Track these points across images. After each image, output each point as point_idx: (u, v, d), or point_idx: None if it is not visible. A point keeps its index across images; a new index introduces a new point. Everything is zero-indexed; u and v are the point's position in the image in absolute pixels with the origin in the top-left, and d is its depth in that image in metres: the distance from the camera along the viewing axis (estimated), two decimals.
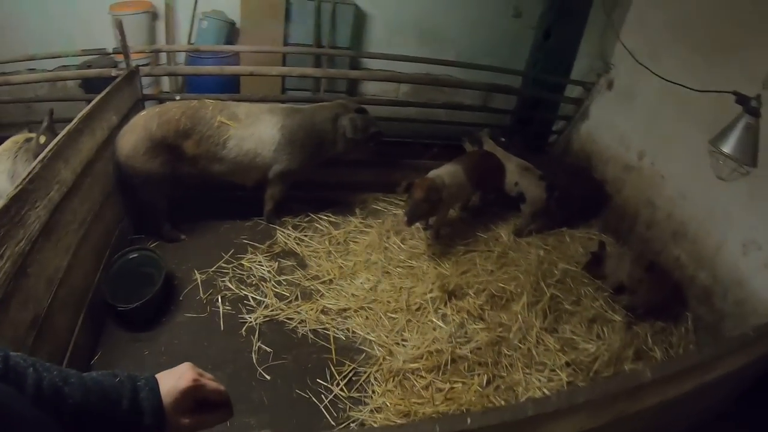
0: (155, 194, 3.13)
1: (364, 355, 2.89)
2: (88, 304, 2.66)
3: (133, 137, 2.92)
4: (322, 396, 2.62)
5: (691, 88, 3.33)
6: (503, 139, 4.42)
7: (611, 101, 4.38)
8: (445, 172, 3.49)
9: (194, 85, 4.26)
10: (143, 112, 3.03)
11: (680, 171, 3.59)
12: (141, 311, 2.76)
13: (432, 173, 3.45)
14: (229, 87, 4.25)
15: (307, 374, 2.73)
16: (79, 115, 2.62)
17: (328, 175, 4.02)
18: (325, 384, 2.68)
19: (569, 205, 3.99)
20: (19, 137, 2.94)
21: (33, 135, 2.90)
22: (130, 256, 2.99)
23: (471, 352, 2.84)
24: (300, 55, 4.45)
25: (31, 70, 3.86)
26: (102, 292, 2.73)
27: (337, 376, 2.72)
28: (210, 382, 0.95)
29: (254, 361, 2.73)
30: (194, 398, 0.92)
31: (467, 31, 4.89)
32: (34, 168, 2.26)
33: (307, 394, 2.62)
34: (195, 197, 3.67)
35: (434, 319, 3.07)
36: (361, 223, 3.86)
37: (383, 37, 4.76)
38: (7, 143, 2.90)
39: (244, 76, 4.28)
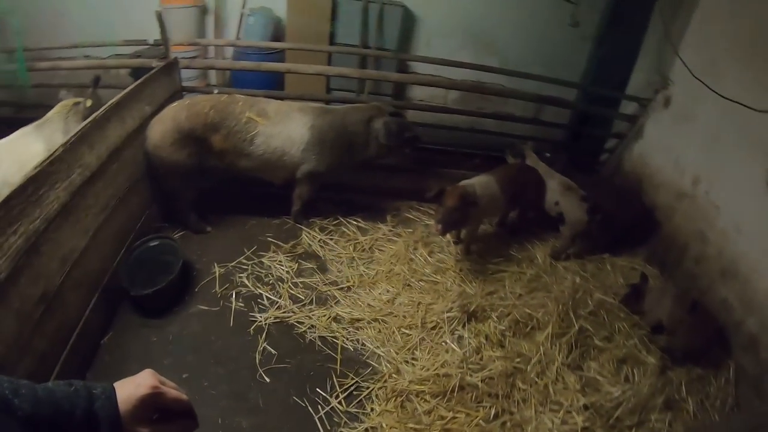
0: (181, 185, 3.19)
1: (370, 369, 2.76)
2: (103, 286, 2.74)
3: (162, 128, 2.99)
4: (319, 406, 2.53)
5: (754, 109, 2.94)
6: (548, 155, 4.14)
7: (667, 120, 3.99)
8: (477, 182, 3.31)
9: (239, 81, 4.35)
10: (174, 104, 3.11)
11: (737, 202, 3.19)
12: (154, 298, 2.81)
13: (464, 182, 3.28)
14: (273, 84, 4.30)
15: (307, 382, 2.65)
16: (108, 103, 2.71)
17: (362, 179, 3.96)
18: (324, 395, 2.58)
19: (613, 230, 3.67)
20: (68, 101, 3.14)
21: (81, 99, 3.12)
22: (152, 244, 3.06)
23: (482, 381, 2.63)
24: (345, 54, 4.41)
25: (87, 56, 4.09)
26: (119, 276, 2.80)
27: (338, 388, 2.62)
28: (171, 390, 0.92)
29: (257, 362, 2.69)
30: (154, 407, 0.89)
31: (520, 38, 4.68)
32: (56, 152, 2.35)
33: (304, 403, 2.54)
34: (226, 190, 3.72)
35: (448, 341, 2.88)
36: (390, 231, 3.75)
37: (432, 40, 4.63)
38: (58, 107, 3.10)
39: (289, 75, 4.30)
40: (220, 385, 2.56)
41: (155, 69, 3.17)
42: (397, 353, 2.83)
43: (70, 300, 2.47)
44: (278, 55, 4.36)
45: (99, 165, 2.66)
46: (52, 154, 2.34)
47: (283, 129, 3.21)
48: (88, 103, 3.07)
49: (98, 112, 2.65)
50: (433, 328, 3.00)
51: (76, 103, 3.12)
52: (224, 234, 3.50)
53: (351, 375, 2.70)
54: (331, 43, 4.43)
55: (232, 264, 3.24)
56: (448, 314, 3.03)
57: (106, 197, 2.76)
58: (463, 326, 3.01)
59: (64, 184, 2.41)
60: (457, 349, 2.83)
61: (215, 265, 3.20)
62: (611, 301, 3.30)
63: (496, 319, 3.08)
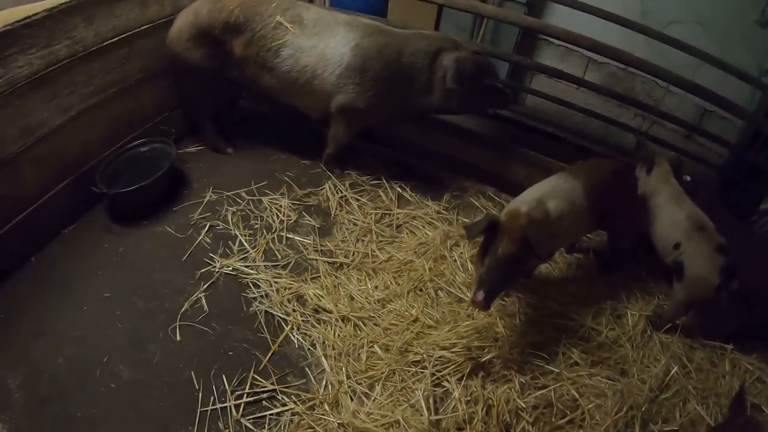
0: (197, 90, 2.76)
1: (302, 382, 2.01)
2: (80, 173, 2.51)
3: (182, 20, 2.57)
4: (212, 398, 1.91)
5: None
6: (688, 178, 2.55)
7: None
8: (552, 193, 2.10)
9: (339, 3, 3.71)
10: None
11: None
12: (120, 199, 2.52)
13: (526, 200, 2.06)
14: (376, 10, 3.57)
15: (219, 361, 2.04)
16: None
17: (430, 142, 3.04)
18: (226, 387, 1.94)
19: (756, 313, 2.23)
20: None
21: None
22: (155, 145, 2.74)
23: None
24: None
25: None
26: (100, 168, 2.54)
27: (247, 387, 1.94)
28: None
29: (180, 312, 2.17)
30: None
31: (694, 20, 3.08)
32: (34, 15, 2.09)
33: (198, 385, 1.95)
34: (271, 115, 3.23)
35: (420, 394, 1.91)
36: (438, 213, 2.79)
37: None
38: None
39: (393, 2, 3.50)
40: (128, 320, 2.14)
41: None
42: (348, 377, 2.00)
43: (26, 174, 2.27)
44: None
45: (98, 43, 2.39)
46: (27, 16, 2.10)
47: (318, 43, 2.49)
48: None
49: None
50: (415, 362, 2.05)
51: None
52: (241, 161, 3.00)
53: (273, 379, 1.99)
54: None
55: (229, 193, 2.73)
56: (448, 353, 2.04)
57: (103, 81, 2.49)
58: (460, 379, 1.99)
59: (42, 52, 2.18)
60: (425, 414, 1.85)
61: (210, 189, 2.75)
62: (708, 420, 1.88)
63: (518, 387, 1.97)
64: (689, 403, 1.99)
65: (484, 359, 2.03)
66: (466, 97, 2.49)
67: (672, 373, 2.10)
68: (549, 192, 2.11)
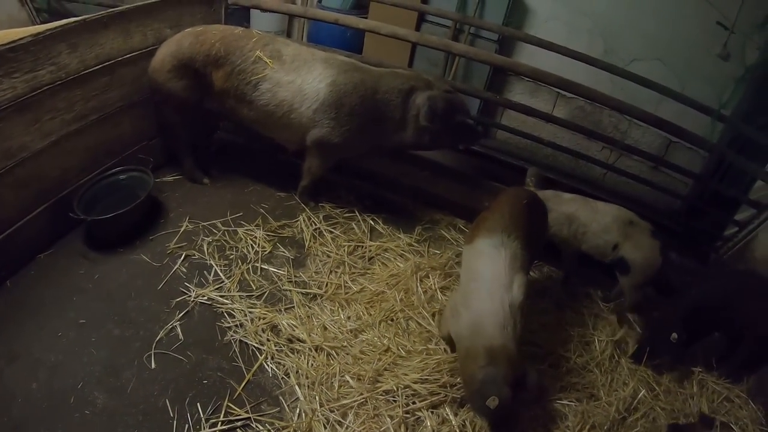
0: (175, 119, 2.92)
1: (276, 410, 2.14)
2: (58, 198, 2.62)
3: (165, 50, 2.75)
4: (186, 427, 2.01)
5: None
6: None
7: None
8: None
9: (316, 39, 3.98)
10: (189, 29, 2.82)
11: None
12: (99, 226, 2.64)
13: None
14: (352, 46, 3.85)
15: (193, 389, 2.15)
16: (111, 10, 2.54)
17: (405, 175, 3.29)
18: (200, 415, 2.05)
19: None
20: None
21: None
22: (133, 174, 2.88)
23: None
24: (438, 26, 3.71)
25: None
26: (77, 195, 2.65)
27: (221, 416, 2.06)
28: None
29: (155, 341, 2.28)
30: None
31: (651, 54, 3.52)
32: (20, 39, 2.23)
33: (172, 414, 2.04)
34: (247, 147, 3.41)
35: (390, 425, 2.07)
36: (409, 245, 3.00)
37: (547, 34, 3.63)
38: None
39: (369, 40, 3.79)
40: (104, 347, 2.24)
41: None
42: (321, 405, 2.14)
43: (5, 198, 2.37)
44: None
45: (81, 70, 2.53)
46: (13, 41, 2.24)
47: (296, 78, 2.71)
48: None
49: (95, 14, 2.51)
50: (386, 392, 2.22)
51: None
52: (218, 190, 3.17)
53: (248, 407, 2.11)
54: (422, 12, 3.80)
55: (205, 223, 2.88)
56: (417, 386, 2.21)
57: (84, 107, 2.62)
58: (432, 410, 2.16)
59: (26, 77, 2.31)
60: None
61: (187, 218, 2.89)
62: None
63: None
64: (659, 423, 2.24)
65: (454, 394, 2.21)
66: (438, 134, 2.75)
67: (640, 396, 2.35)
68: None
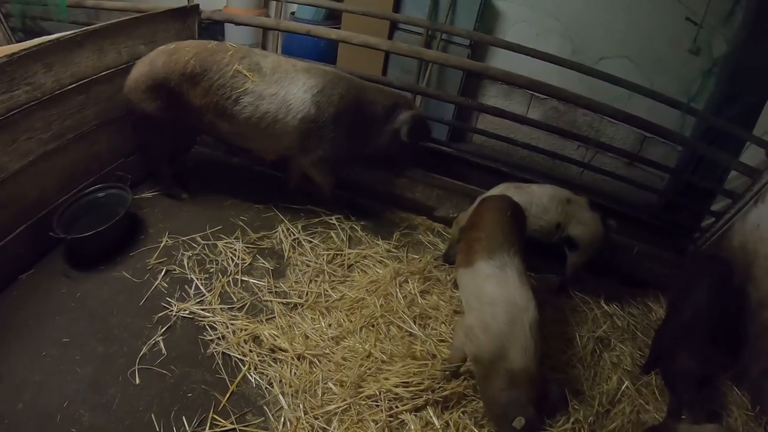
0: (153, 139, 2.99)
1: (261, 420, 2.21)
2: (39, 218, 2.66)
3: (138, 70, 2.81)
4: None
5: None
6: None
7: None
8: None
9: (289, 51, 4.08)
10: (163, 46, 2.88)
11: None
12: (76, 244, 2.69)
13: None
14: (326, 57, 3.95)
15: (178, 403, 2.21)
16: (84, 28, 2.60)
17: (381, 182, 3.40)
18: (186, 429, 2.11)
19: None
20: None
21: None
22: (112, 191, 2.95)
23: None
24: (410, 33, 3.85)
25: None
26: (57, 214, 2.71)
27: (207, 427, 2.13)
28: None
29: (139, 356, 2.35)
30: None
31: (621, 53, 3.70)
32: None
33: (158, 429, 2.10)
34: (224, 162, 3.49)
35: (374, 429, 2.16)
36: (388, 252, 3.11)
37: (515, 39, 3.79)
38: None
39: (342, 50, 3.90)
40: (89, 365, 2.29)
41: (163, 9, 3.02)
42: (306, 413, 2.23)
43: None
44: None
45: (57, 90, 2.59)
46: None
47: (279, 91, 2.79)
48: None
49: (68, 33, 2.57)
50: (369, 396, 2.31)
51: None
52: (197, 205, 3.25)
53: (233, 418, 2.19)
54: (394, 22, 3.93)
55: (185, 238, 2.96)
56: (399, 390, 2.30)
57: (61, 127, 2.68)
58: (415, 413, 2.26)
59: (2, 97, 2.35)
60: None
61: (166, 234, 2.96)
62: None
63: (473, 414, 2.27)
64: (646, 414, 2.38)
65: (437, 396, 2.30)
66: (407, 151, 2.88)
67: (623, 388, 2.49)
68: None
